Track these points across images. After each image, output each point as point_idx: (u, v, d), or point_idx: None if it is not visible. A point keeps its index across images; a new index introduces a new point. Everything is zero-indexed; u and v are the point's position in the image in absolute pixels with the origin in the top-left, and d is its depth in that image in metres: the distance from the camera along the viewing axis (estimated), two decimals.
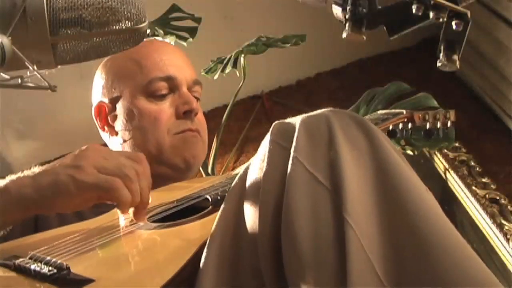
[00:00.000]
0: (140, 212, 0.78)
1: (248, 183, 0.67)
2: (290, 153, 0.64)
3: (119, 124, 1.14)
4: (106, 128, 1.16)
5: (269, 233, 0.62)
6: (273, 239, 0.62)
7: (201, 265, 0.64)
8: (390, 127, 1.20)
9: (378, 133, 0.66)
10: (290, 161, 0.63)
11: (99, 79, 1.19)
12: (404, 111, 1.23)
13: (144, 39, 0.77)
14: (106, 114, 1.16)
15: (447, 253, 0.56)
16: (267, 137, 0.68)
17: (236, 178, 0.70)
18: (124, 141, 1.13)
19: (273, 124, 0.70)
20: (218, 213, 0.68)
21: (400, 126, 1.22)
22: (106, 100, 1.16)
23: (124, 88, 1.14)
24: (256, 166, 0.67)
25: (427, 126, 1.23)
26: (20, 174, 0.78)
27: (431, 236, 0.57)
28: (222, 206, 0.69)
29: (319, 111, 0.70)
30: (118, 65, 1.17)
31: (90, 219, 0.88)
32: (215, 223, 0.67)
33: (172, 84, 1.13)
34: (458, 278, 0.54)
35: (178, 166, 1.11)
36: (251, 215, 0.64)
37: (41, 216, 0.95)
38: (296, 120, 0.68)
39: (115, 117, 1.15)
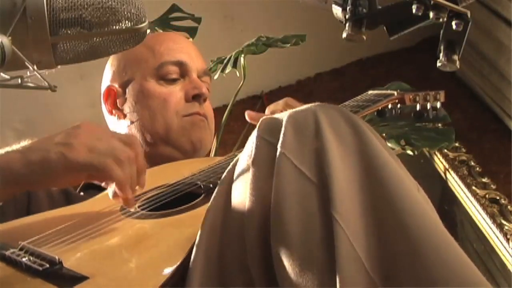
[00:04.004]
0: (130, 198, 0.77)
1: (235, 179, 0.67)
2: (277, 148, 0.63)
3: (127, 107, 1.14)
4: (114, 111, 1.17)
5: (257, 231, 0.61)
6: (261, 237, 0.61)
7: (190, 262, 0.63)
8: (380, 108, 1.20)
9: (367, 129, 0.66)
10: (277, 157, 0.63)
11: (110, 65, 1.20)
12: (395, 93, 1.22)
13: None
14: (115, 98, 1.16)
15: (436, 251, 0.55)
16: (254, 133, 0.68)
17: (224, 173, 0.70)
18: (132, 122, 1.13)
19: (260, 119, 0.69)
20: (207, 210, 0.67)
21: (390, 106, 1.22)
22: (116, 84, 1.17)
23: (135, 72, 1.15)
24: (243, 162, 0.66)
25: (417, 107, 1.22)
26: (8, 149, 0.77)
27: (420, 233, 0.56)
28: (211, 202, 0.68)
29: (306, 105, 0.69)
30: (130, 51, 1.16)
31: (77, 202, 0.87)
32: (203, 220, 0.66)
33: (183, 70, 1.15)
34: (447, 277, 0.54)
35: (184, 148, 1.11)
36: (238, 212, 0.64)
37: (33, 196, 0.95)
38: (283, 116, 0.67)
39: (124, 101, 1.15)
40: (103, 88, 1.19)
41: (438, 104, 1.23)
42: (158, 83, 1.13)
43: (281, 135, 0.64)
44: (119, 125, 1.17)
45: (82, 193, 1.00)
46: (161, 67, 1.13)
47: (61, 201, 0.94)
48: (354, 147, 0.64)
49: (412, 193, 0.61)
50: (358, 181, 0.61)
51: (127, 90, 1.15)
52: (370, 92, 1.25)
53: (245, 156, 0.67)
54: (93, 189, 0.94)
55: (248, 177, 0.64)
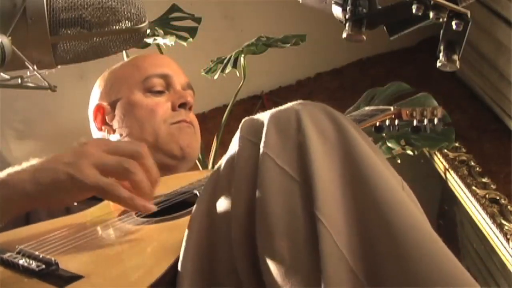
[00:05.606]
0: (147, 206, 0.77)
1: (220, 182, 0.67)
2: (260, 148, 0.63)
3: (116, 121, 1.17)
4: (103, 127, 1.19)
5: (243, 232, 0.61)
6: (247, 238, 0.61)
7: (179, 265, 0.64)
8: (377, 123, 1.20)
9: (349, 126, 0.65)
10: (261, 157, 0.62)
11: (97, 88, 1.24)
12: (392, 108, 1.23)
13: (144, 40, 0.76)
14: (103, 115, 1.19)
15: (420, 250, 0.55)
16: (237, 134, 0.67)
17: (209, 177, 0.69)
18: (121, 135, 1.15)
19: (243, 120, 0.69)
20: (192, 213, 0.67)
21: (387, 122, 1.22)
22: (104, 102, 1.19)
23: (122, 89, 1.18)
24: (227, 164, 0.66)
25: (414, 123, 1.23)
26: (18, 168, 0.78)
27: (403, 231, 0.56)
28: (195, 205, 0.68)
29: (288, 104, 0.69)
30: (116, 72, 1.23)
31: (76, 212, 0.88)
32: (189, 224, 0.66)
33: (168, 82, 1.18)
34: (432, 276, 0.53)
35: (173, 153, 1.13)
36: (224, 214, 0.64)
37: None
38: (265, 115, 0.67)
39: (113, 117, 1.18)
40: (92, 107, 1.21)
41: (436, 120, 1.23)
42: (144, 95, 1.16)
43: (264, 135, 0.64)
44: None
45: (76, 203, 1.01)
46: (146, 80, 1.17)
47: (60, 211, 0.95)
48: (337, 144, 0.63)
49: (395, 190, 0.60)
50: (341, 179, 0.61)
51: (116, 107, 1.18)
52: (366, 108, 1.26)
53: (229, 157, 0.67)
54: (90, 199, 0.94)
55: (232, 178, 0.64)
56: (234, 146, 0.67)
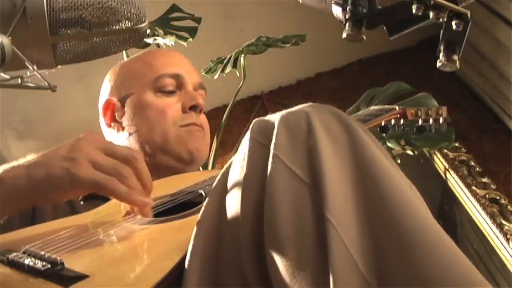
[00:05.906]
0: (142, 206, 0.77)
1: (229, 182, 0.67)
2: (270, 150, 0.63)
3: (126, 119, 1.16)
4: (112, 124, 1.18)
5: (251, 234, 0.61)
6: (255, 240, 0.61)
7: (186, 264, 0.64)
8: (383, 123, 1.21)
9: (359, 128, 0.66)
10: (270, 159, 0.62)
11: (107, 82, 1.23)
12: (397, 107, 1.24)
13: (144, 40, 0.77)
14: (113, 111, 1.18)
15: (429, 250, 0.55)
16: (247, 135, 0.67)
17: (218, 177, 0.69)
18: (130, 134, 1.15)
19: (253, 121, 0.69)
20: (200, 213, 0.67)
21: (393, 122, 1.23)
22: (114, 98, 1.19)
23: (133, 86, 1.17)
24: (237, 165, 0.66)
25: (419, 122, 1.24)
26: (14, 163, 0.77)
27: (412, 232, 0.56)
28: (204, 206, 0.68)
29: (298, 106, 0.69)
30: (128, 67, 1.22)
31: (82, 212, 0.88)
32: (197, 223, 0.66)
33: (179, 82, 1.17)
34: (441, 276, 0.53)
35: (182, 157, 1.12)
36: (232, 215, 0.64)
37: (38, 207, 0.95)
38: (275, 117, 0.68)
39: (122, 113, 1.17)
40: (102, 102, 1.21)
41: (441, 120, 1.24)
42: (155, 95, 1.15)
43: (274, 137, 0.64)
44: (118, 138, 1.18)
45: (82, 202, 1.01)
46: (158, 80, 1.16)
47: (65, 212, 0.94)
48: (346, 146, 0.64)
49: (404, 192, 0.61)
50: (350, 181, 0.61)
51: (125, 104, 1.17)
52: (372, 107, 1.26)
53: (239, 159, 0.67)
54: (95, 199, 0.94)
55: (241, 180, 0.64)
56: (244, 147, 0.67)
